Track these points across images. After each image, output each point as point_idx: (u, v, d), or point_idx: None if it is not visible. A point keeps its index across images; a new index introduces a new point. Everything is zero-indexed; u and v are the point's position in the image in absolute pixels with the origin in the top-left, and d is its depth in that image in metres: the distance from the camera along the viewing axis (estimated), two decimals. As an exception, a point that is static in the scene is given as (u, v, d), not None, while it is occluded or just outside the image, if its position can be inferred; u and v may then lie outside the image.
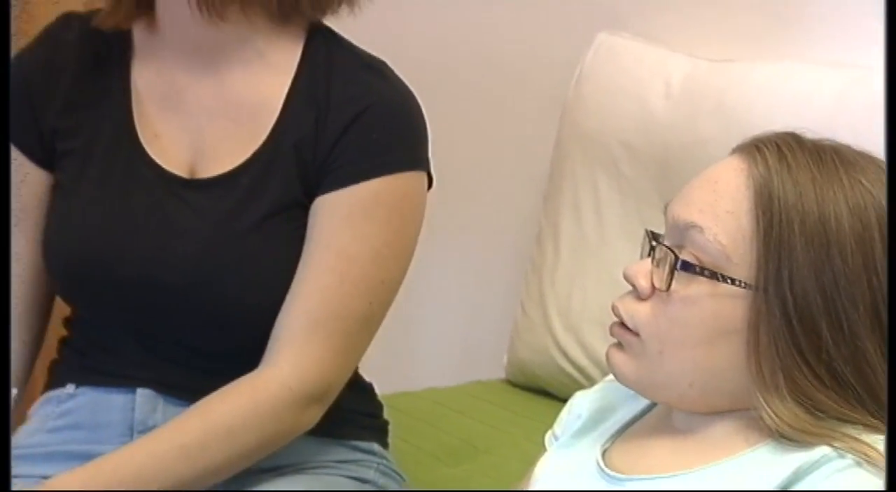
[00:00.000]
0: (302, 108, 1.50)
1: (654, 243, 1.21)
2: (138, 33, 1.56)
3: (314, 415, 1.49)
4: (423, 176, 1.53)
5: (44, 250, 1.56)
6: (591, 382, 1.86)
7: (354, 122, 1.49)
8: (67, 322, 1.62)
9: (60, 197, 1.56)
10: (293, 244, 1.49)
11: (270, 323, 1.48)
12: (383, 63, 1.55)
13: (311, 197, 1.50)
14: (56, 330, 1.66)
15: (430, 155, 1.55)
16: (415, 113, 1.54)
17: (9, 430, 1.39)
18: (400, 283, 1.52)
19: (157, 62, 1.54)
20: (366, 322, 1.50)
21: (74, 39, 1.57)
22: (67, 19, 1.58)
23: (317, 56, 1.52)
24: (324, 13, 1.52)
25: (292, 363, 1.46)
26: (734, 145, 1.21)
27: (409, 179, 1.51)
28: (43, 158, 1.57)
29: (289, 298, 1.48)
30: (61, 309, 1.63)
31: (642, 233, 1.24)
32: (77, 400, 1.56)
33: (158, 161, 1.52)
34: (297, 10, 1.50)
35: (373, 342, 1.53)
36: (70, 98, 1.55)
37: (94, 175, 1.53)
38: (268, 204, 1.49)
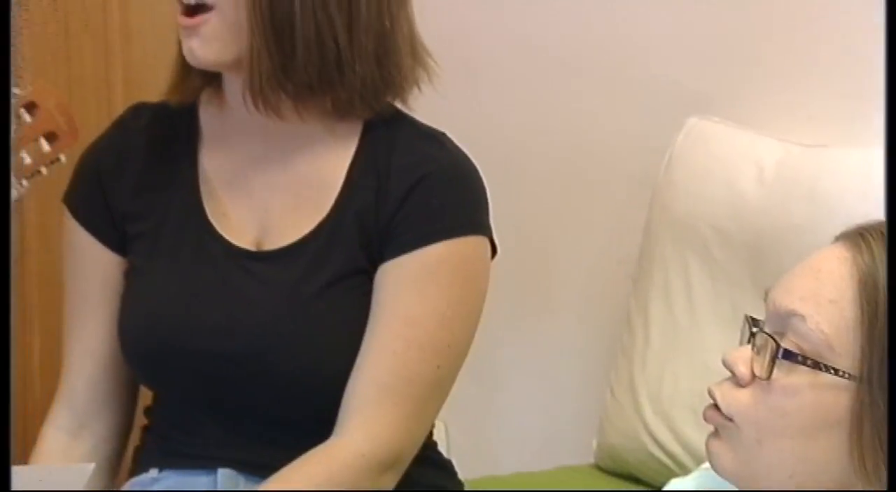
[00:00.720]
0: (363, 178, 1.55)
1: (754, 330, 1.20)
2: (205, 116, 1.61)
3: (388, 482, 1.50)
4: (484, 241, 1.56)
5: (119, 331, 1.59)
6: (683, 468, 1.85)
7: (414, 188, 1.53)
8: (148, 410, 1.66)
9: (133, 279, 1.60)
10: (359, 311, 1.52)
11: (341, 390, 1.51)
12: (442, 133, 1.59)
13: (374, 264, 1.53)
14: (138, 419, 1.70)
15: (491, 222, 1.57)
16: (474, 179, 1.57)
17: (9, 430, 1.40)
18: (467, 347, 1.55)
19: (223, 144, 1.60)
20: (435, 386, 1.52)
21: (144, 126, 1.64)
22: (137, 108, 1.66)
23: (377, 130, 1.56)
24: (374, 111, 1.54)
25: (363, 430, 1.48)
26: (827, 231, 1.20)
27: (470, 244, 1.54)
28: (115, 242, 1.62)
29: (357, 364, 1.51)
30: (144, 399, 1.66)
31: (734, 318, 1.24)
32: (161, 484, 1.59)
33: (226, 237, 1.57)
34: (350, 112, 1.54)
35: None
36: (140, 182, 1.61)
37: (164, 254, 1.58)
38: (332, 272, 1.53)
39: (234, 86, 1.56)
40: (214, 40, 1.50)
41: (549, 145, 2.30)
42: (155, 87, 2.42)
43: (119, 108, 2.37)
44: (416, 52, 1.56)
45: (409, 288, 1.51)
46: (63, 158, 1.67)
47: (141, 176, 1.61)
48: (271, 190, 1.57)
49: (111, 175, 1.62)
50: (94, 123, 2.31)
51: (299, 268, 1.54)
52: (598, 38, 2.22)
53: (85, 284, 1.63)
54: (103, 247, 1.62)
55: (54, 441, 1.62)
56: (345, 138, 1.56)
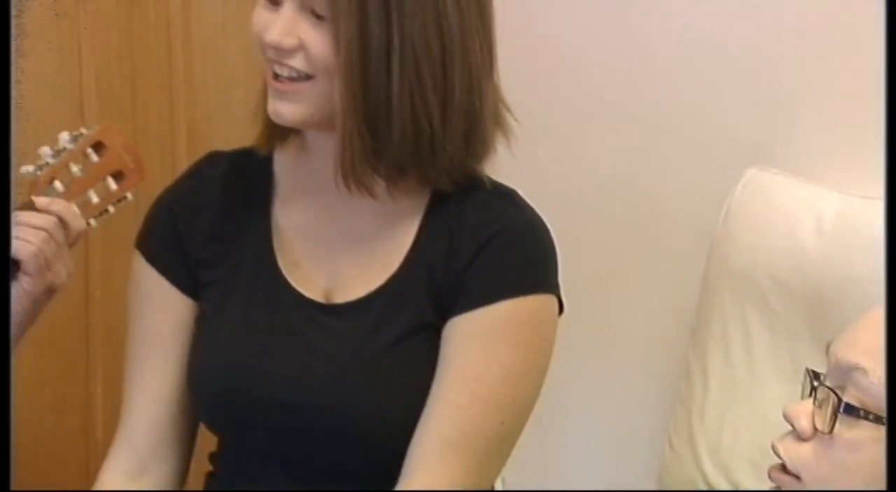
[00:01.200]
0: (435, 235, 1.56)
1: (815, 383, 1.20)
2: (279, 166, 1.64)
3: None
4: (553, 299, 1.57)
5: (189, 376, 1.61)
6: (742, 520, 1.84)
7: (486, 245, 1.54)
8: (213, 457, 1.67)
9: (204, 325, 1.62)
10: (426, 365, 1.54)
11: (406, 443, 1.52)
12: (514, 191, 1.60)
13: (443, 319, 1.55)
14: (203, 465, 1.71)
15: (559, 280, 1.58)
16: (544, 238, 1.58)
17: (9, 430, 1.43)
18: (532, 403, 1.55)
19: (297, 194, 1.62)
20: (498, 442, 1.53)
21: (219, 174, 1.66)
22: (213, 156, 1.69)
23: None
24: (450, 187, 1.56)
25: (427, 484, 1.49)
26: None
27: (538, 302, 1.55)
28: (188, 286, 1.64)
29: (423, 418, 1.52)
30: (209, 444, 1.67)
31: (793, 370, 1.23)
32: (224, 531, 1.60)
33: (297, 287, 1.58)
34: (435, 185, 1.56)
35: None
36: (214, 230, 1.63)
37: (236, 302, 1.60)
38: (401, 326, 1.55)
39: (314, 139, 1.58)
40: (304, 105, 1.51)
41: (608, 197, 2.30)
42: (217, 138, 2.48)
43: (182, 159, 2.44)
44: (499, 119, 1.57)
45: (476, 344, 1.52)
46: (130, 196, 1.70)
47: (215, 224, 1.63)
48: (342, 242, 1.58)
49: (186, 221, 1.64)
50: (158, 173, 2.34)
51: (369, 322, 1.55)
52: (657, 90, 2.23)
53: (154, 326, 1.64)
54: (176, 290, 1.64)
55: (114, 484, 1.64)
56: (419, 194, 1.58)
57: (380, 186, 1.54)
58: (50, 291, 1.58)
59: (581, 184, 2.33)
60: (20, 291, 1.58)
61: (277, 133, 1.60)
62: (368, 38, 1.46)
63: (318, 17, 1.48)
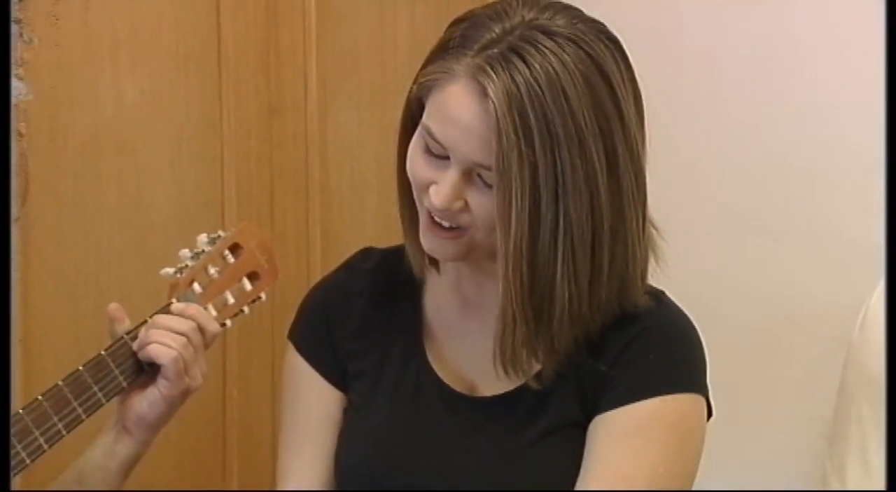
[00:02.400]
0: None
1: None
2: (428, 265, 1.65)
3: None
4: (701, 400, 1.56)
5: (336, 465, 1.63)
6: None
7: (632, 342, 1.54)
8: None
9: (353, 415, 1.64)
10: (571, 462, 1.53)
11: None
12: (661, 291, 1.59)
13: (589, 416, 1.54)
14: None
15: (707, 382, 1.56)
16: (692, 337, 1.58)
17: (9, 430, 1.44)
18: None
19: (444, 289, 1.64)
20: (642, 544, 1.51)
21: (370, 269, 1.69)
22: (366, 252, 1.72)
23: None
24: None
25: None
26: None
27: (686, 402, 1.54)
28: (337, 377, 1.66)
29: None
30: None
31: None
32: None
33: (443, 380, 1.60)
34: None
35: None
36: (363, 322, 1.66)
37: (384, 393, 1.62)
38: (546, 423, 1.55)
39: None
40: (462, 247, 1.53)
41: (742, 303, 2.29)
42: (351, 243, 2.50)
43: (317, 263, 2.50)
44: (651, 245, 1.57)
45: (621, 443, 1.51)
46: (264, 296, 1.74)
47: (365, 317, 1.66)
48: (488, 336, 1.58)
49: (337, 314, 1.67)
50: (293, 277, 2.42)
51: (514, 416, 1.56)
52: (790, 197, 2.23)
53: (305, 417, 1.67)
54: (325, 382, 1.66)
55: None
56: None
57: (535, 366, 1.54)
58: (186, 393, 1.63)
59: (715, 290, 2.32)
60: (157, 394, 1.62)
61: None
62: (539, 232, 1.46)
63: (486, 183, 1.48)
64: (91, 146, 2.34)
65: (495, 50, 1.46)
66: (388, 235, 2.43)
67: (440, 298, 1.64)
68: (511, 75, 1.44)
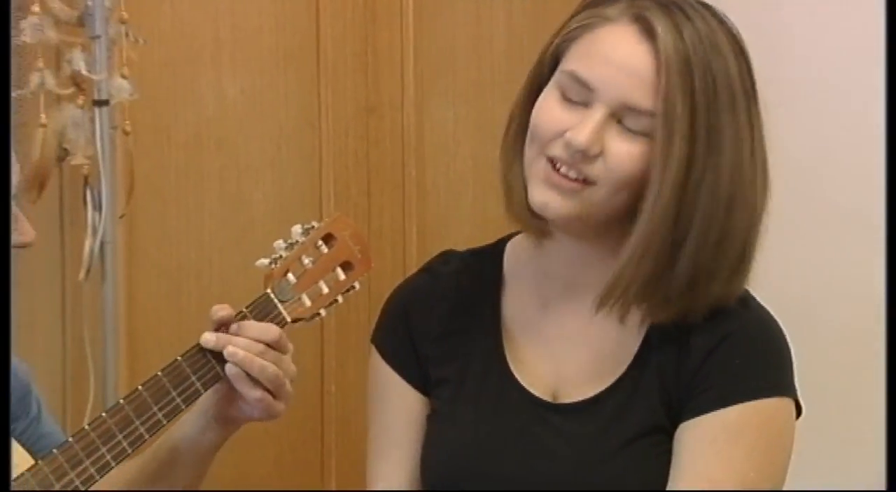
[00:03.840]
0: (665, 336, 1.54)
1: None
2: (509, 261, 1.64)
3: None
4: (789, 403, 1.53)
5: (421, 470, 1.62)
6: None
7: (718, 347, 1.51)
8: None
9: (436, 422, 1.63)
10: (657, 469, 1.51)
11: None
12: (747, 292, 1.56)
13: (674, 423, 1.52)
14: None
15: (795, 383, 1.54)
16: (778, 338, 1.55)
17: (9, 430, 1.45)
18: None
19: (525, 292, 1.62)
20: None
21: (451, 272, 1.67)
22: (446, 255, 1.70)
23: None
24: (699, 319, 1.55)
25: None
26: None
27: (775, 406, 1.51)
28: (419, 382, 1.65)
29: None
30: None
31: None
32: None
33: (525, 386, 1.58)
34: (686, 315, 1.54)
35: None
36: (445, 327, 1.64)
37: (466, 400, 1.61)
38: (631, 429, 1.53)
39: (553, 240, 1.57)
40: (577, 204, 1.50)
41: (845, 303, 2.27)
42: (447, 240, 2.53)
43: (414, 259, 2.50)
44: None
45: (709, 449, 1.49)
46: (357, 285, 1.73)
47: (446, 321, 1.65)
48: (569, 340, 1.58)
49: (419, 318, 1.66)
50: (389, 273, 2.40)
51: (598, 422, 1.54)
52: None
53: (390, 420, 1.67)
54: (409, 386, 1.65)
55: None
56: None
57: (637, 313, 1.53)
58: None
59: (818, 289, 2.30)
60: (247, 406, 1.60)
61: (544, 227, 1.57)
62: (690, 173, 1.46)
63: (630, 131, 1.47)
64: (193, 144, 2.40)
65: (651, 2, 1.48)
66: (483, 231, 2.42)
67: (521, 302, 1.63)
68: (676, 24, 1.46)
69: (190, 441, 1.64)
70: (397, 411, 1.66)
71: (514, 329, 1.62)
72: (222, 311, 1.59)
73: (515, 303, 1.63)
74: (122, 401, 1.58)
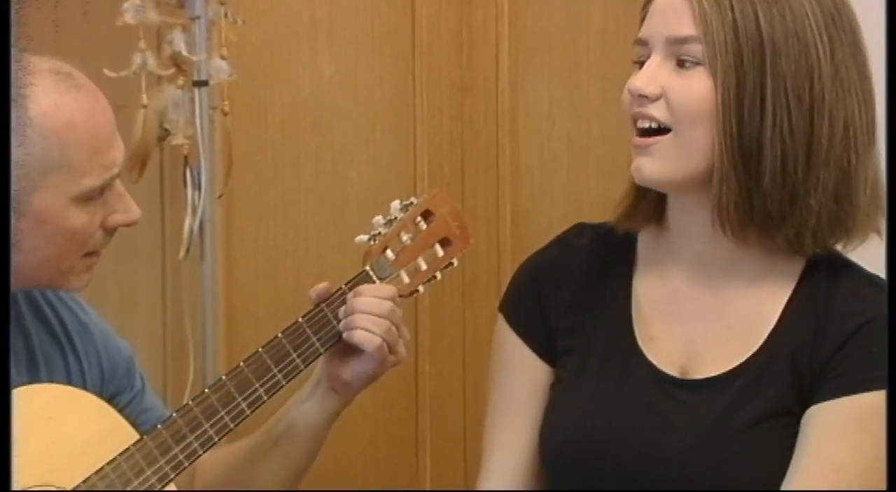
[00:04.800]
0: (800, 318, 1.54)
1: None
2: (643, 239, 1.65)
3: None
4: None
5: (541, 442, 1.63)
6: None
7: (855, 334, 1.51)
8: None
9: (559, 392, 1.64)
10: (782, 450, 1.51)
11: None
12: (886, 281, 1.55)
13: (803, 405, 1.52)
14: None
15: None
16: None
17: (9, 430, 1.41)
18: None
19: (659, 270, 1.62)
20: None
21: (584, 245, 1.67)
22: (579, 227, 1.70)
23: (818, 271, 1.56)
24: (823, 249, 1.56)
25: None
26: None
27: (886, 395, 1.49)
28: (546, 352, 1.65)
29: None
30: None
31: None
32: None
33: (653, 361, 1.59)
34: (798, 248, 1.54)
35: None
36: (575, 298, 1.65)
37: (592, 372, 1.61)
38: (760, 408, 1.53)
39: (676, 209, 1.59)
40: (665, 160, 1.53)
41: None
42: (540, 220, 2.54)
43: (507, 239, 2.51)
44: (877, 198, 1.55)
45: (837, 434, 1.49)
46: (455, 262, 1.73)
47: (576, 293, 1.65)
48: (701, 319, 1.58)
49: (549, 288, 1.66)
50: (483, 253, 2.45)
51: (726, 400, 1.54)
52: None
53: (513, 388, 1.67)
54: (535, 356, 1.66)
55: None
56: (784, 275, 1.57)
57: (753, 233, 1.54)
58: (389, 367, 1.67)
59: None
60: (362, 369, 1.65)
61: (642, 214, 1.62)
62: (743, 79, 1.49)
63: (685, 64, 1.52)
64: (290, 124, 2.42)
65: None
66: (577, 211, 2.45)
67: (653, 279, 1.63)
68: None
69: (304, 415, 1.68)
70: (522, 380, 1.66)
71: (644, 305, 1.62)
72: (322, 286, 1.64)
73: (648, 280, 1.63)
74: (224, 377, 1.62)
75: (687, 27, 1.51)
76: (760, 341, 1.55)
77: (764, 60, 1.50)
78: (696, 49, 1.51)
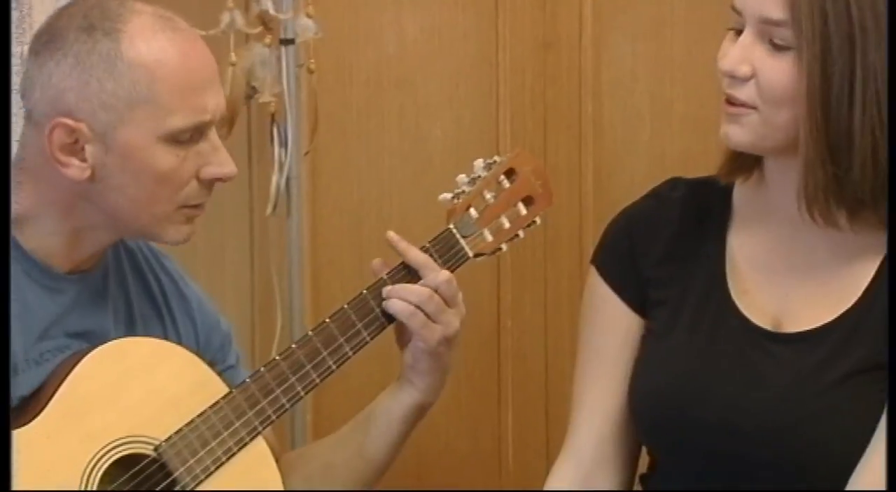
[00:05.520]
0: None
1: None
2: (738, 195, 1.66)
3: None
4: None
5: (630, 395, 1.65)
6: None
7: None
8: (643, 478, 1.71)
9: (650, 344, 1.66)
10: (871, 407, 1.52)
11: (842, 480, 1.51)
12: None
13: None
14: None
15: None
16: None
17: (9, 430, 1.45)
18: None
19: (753, 223, 1.64)
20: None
21: (678, 199, 1.69)
22: (674, 181, 1.72)
23: None
24: None
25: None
26: None
27: None
28: (638, 303, 1.68)
29: (863, 460, 1.51)
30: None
31: None
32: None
33: (746, 314, 1.60)
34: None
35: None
36: (668, 251, 1.67)
37: (684, 324, 1.64)
38: (853, 363, 1.54)
39: (772, 167, 1.60)
40: (752, 131, 1.55)
41: None
42: (623, 176, 2.53)
43: (589, 196, 2.51)
44: None
45: None
46: (538, 220, 1.74)
47: (670, 245, 1.67)
48: (795, 274, 1.60)
49: (642, 241, 1.68)
50: (565, 210, 2.44)
51: (819, 354, 1.56)
52: None
53: (603, 341, 1.69)
54: (627, 307, 1.68)
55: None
56: (881, 231, 1.56)
57: (842, 216, 1.54)
58: (444, 341, 1.65)
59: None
60: (416, 346, 1.66)
61: (739, 166, 1.63)
62: (832, 68, 1.49)
63: (777, 47, 1.52)
64: (374, 82, 2.44)
65: None
66: (660, 168, 2.43)
67: (748, 234, 1.64)
68: None
69: (380, 405, 1.71)
70: (612, 332, 1.68)
71: (738, 259, 1.64)
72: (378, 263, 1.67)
73: (743, 235, 1.64)
74: (310, 333, 1.65)
75: (778, 10, 1.50)
76: (854, 298, 1.56)
77: (854, 48, 1.49)
78: (787, 33, 1.50)
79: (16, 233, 1.57)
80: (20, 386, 1.55)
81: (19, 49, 1.89)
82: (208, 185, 1.58)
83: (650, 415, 1.63)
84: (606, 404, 1.67)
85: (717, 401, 1.57)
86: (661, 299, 1.65)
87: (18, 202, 1.57)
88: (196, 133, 1.55)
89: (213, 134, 1.57)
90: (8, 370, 1.50)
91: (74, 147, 1.53)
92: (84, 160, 1.54)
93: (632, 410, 1.65)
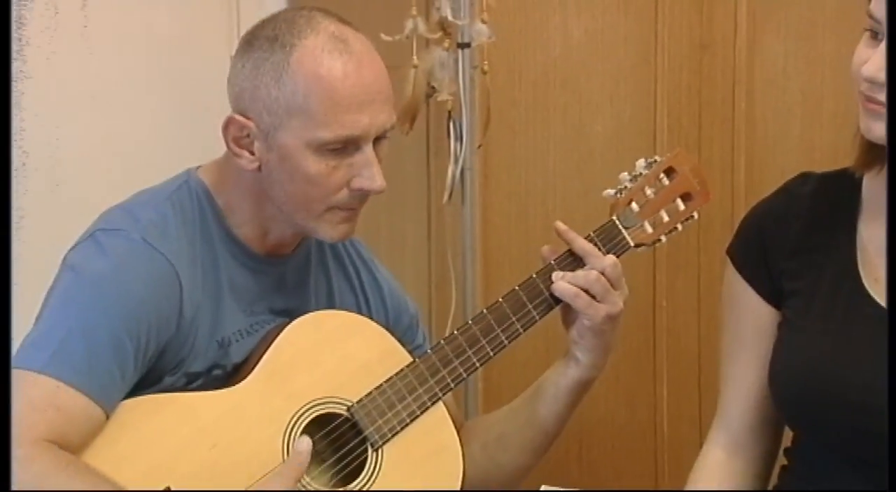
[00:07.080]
0: None
1: None
2: (868, 188, 1.68)
3: None
4: None
5: (770, 378, 1.69)
6: None
7: None
8: (787, 451, 1.78)
9: (786, 331, 1.69)
10: None
11: None
12: None
13: None
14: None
15: None
16: None
17: (9, 430, 1.47)
18: None
19: (882, 215, 1.64)
20: None
21: (808, 193, 1.72)
22: (804, 176, 1.75)
23: None
24: None
25: None
26: None
27: None
28: (769, 294, 1.72)
29: None
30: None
31: None
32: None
33: (879, 301, 1.63)
34: None
35: None
36: (799, 243, 1.70)
37: (817, 312, 1.66)
38: None
39: None
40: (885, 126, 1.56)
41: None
42: (774, 169, 2.53)
43: (741, 188, 2.54)
44: None
45: None
46: (696, 215, 1.78)
47: (801, 238, 1.69)
48: None
49: (773, 234, 1.71)
50: (718, 201, 2.45)
51: None
52: None
53: (740, 327, 1.73)
54: (759, 298, 1.71)
55: (712, 456, 1.77)
56: None
57: None
58: (609, 319, 1.72)
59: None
60: (582, 324, 1.72)
61: (874, 158, 1.63)
62: None
63: None
64: (541, 82, 2.53)
65: None
66: (809, 160, 2.47)
67: (878, 223, 1.64)
68: None
69: (547, 379, 1.79)
70: (747, 320, 1.73)
71: (870, 249, 1.65)
72: (547, 250, 1.73)
73: (873, 225, 1.66)
74: (485, 311, 1.73)
75: None
76: None
77: None
78: None
79: (224, 219, 1.69)
80: (234, 354, 1.67)
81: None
82: (359, 195, 1.66)
83: (789, 397, 1.67)
84: (749, 380, 1.72)
85: (851, 382, 1.59)
86: (794, 290, 1.68)
87: (227, 192, 1.69)
88: (349, 145, 1.62)
89: (368, 148, 1.63)
90: (8, 369, 1.52)
91: (246, 141, 1.64)
92: (253, 153, 1.64)
93: (772, 391, 1.68)
